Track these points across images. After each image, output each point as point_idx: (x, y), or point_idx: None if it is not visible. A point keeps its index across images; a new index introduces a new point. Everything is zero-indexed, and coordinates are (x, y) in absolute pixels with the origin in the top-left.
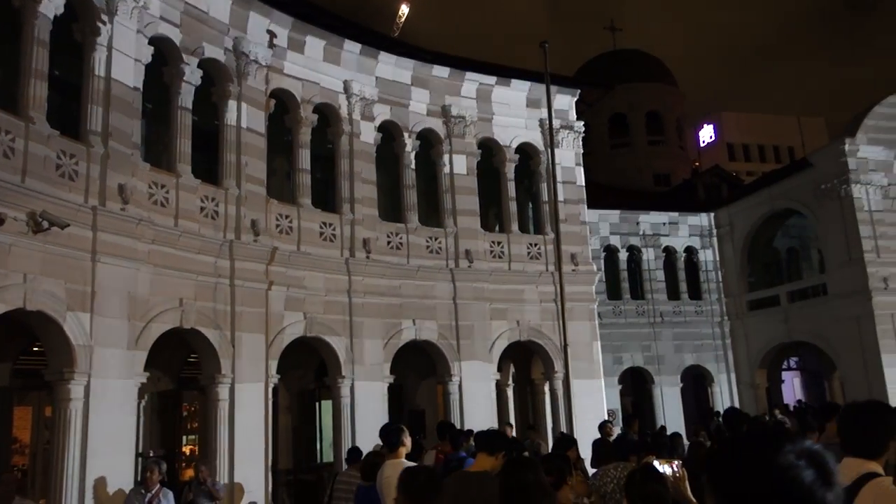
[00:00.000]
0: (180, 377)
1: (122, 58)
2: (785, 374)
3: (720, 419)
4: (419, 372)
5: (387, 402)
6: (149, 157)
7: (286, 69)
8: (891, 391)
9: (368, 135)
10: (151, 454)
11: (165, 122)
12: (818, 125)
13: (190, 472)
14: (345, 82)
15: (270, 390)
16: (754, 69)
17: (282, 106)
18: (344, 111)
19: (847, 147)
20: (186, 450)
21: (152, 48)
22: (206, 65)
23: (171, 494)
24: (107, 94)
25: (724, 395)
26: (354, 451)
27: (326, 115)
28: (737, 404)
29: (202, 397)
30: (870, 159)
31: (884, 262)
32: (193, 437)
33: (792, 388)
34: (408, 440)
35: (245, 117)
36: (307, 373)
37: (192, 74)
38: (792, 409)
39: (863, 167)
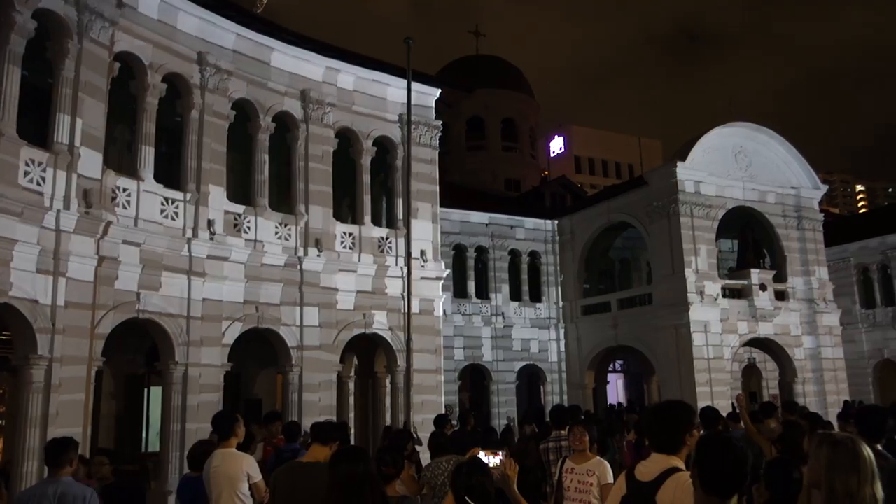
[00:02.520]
0: None
1: None
2: (610, 376)
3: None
4: (259, 360)
5: (222, 390)
6: None
7: (135, 31)
8: (699, 393)
9: (222, 111)
10: None
11: None
12: (656, 146)
13: None
14: (199, 53)
15: (94, 374)
16: (602, 88)
17: (127, 71)
18: (196, 84)
19: (678, 169)
20: None
21: None
22: (42, 15)
23: None
24: None
25: (554, 394)
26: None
27: (177, 85)
28: (565, 403)
29: (12, 379)
30: (697, 182)
31: (702, 277)
32: (0, 423)
33: (615, 389)
34: (241, 430)
35: (84, 78)
36: (136, 356)
37: (25, 25)
38: (616, 408)
39: (690, 189)
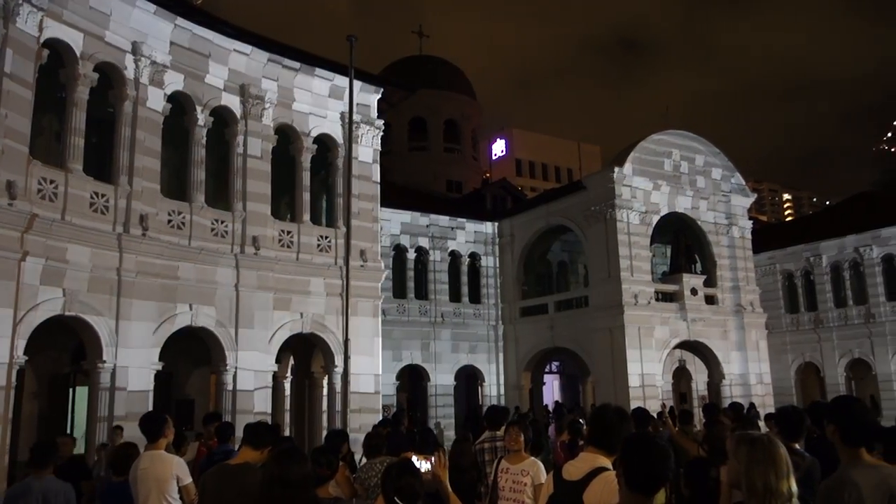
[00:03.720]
0: None
1: None
2: (546, 377)
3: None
4: (192, 359)
5: (153, 390)
6: None
7: (65, 17)
8: (632, 394)
9: (157, 104)
10: None
11: None
12: (595, 152)
13: None
14: (134, 43)
15: (15, 373)
16: (544, 93)
17: (57, 58)
18: (130, 74)
19: (615, 175)
20: None
21: None
22: None
23: None
24: None
25: (492, 395)
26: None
27: (109, 75)
28: (502, 403)
29: None
30: (633, 188)
31: (636, 281)
32: None
33: (552, 390)
34: (170, 431)
35: (10, 63)
36: (61, 355)
37: None
38: (552, 408)
39: (626, 194)
